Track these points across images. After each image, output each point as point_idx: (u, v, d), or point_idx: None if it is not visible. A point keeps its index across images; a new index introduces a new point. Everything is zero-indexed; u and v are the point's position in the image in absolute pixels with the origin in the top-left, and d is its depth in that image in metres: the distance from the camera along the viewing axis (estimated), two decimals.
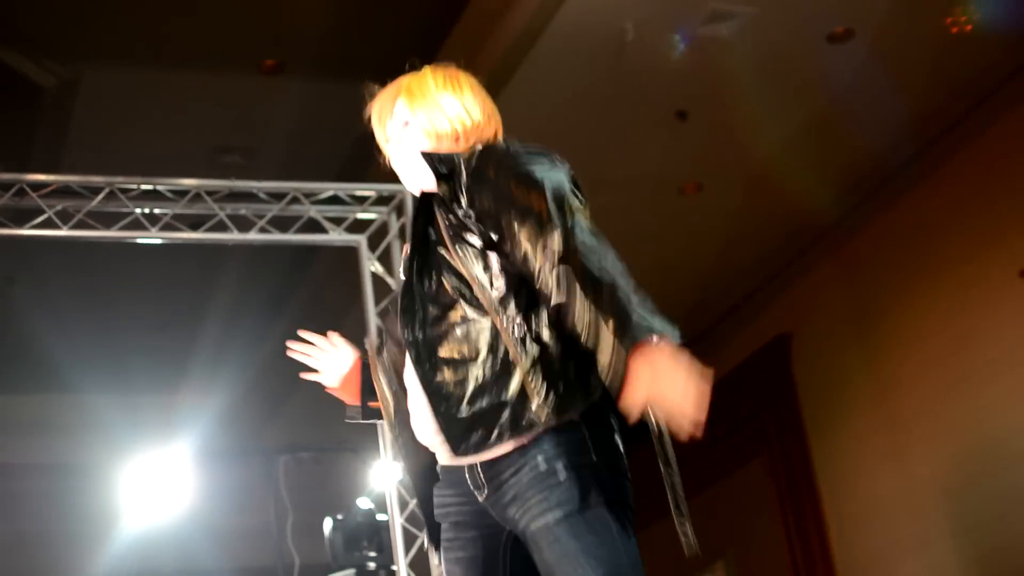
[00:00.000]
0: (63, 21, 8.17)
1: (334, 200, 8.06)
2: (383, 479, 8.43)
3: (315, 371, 3.78)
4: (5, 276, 10.40)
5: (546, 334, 3.20)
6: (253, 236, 7.84)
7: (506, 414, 3.14)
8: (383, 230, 8.04)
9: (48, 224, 7.41)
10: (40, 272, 10.08)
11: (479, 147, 3.39)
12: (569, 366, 3.18)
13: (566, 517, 3.12)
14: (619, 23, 7.84)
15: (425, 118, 3.51)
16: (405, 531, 7.62)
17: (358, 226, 8.08)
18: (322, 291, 10.38)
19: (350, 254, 8.12)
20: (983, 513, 8.95)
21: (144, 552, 11.68)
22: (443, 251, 3.30)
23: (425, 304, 3.29)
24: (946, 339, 9.30)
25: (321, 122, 9.10)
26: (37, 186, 7.42)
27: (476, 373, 3.18)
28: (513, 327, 3.19)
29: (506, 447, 3.16)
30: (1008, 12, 7.93)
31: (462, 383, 3.19)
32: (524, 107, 8.43)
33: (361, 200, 7.99)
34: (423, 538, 7.51)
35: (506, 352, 3.18)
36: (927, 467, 9.42)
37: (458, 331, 3.23)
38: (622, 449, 3.31)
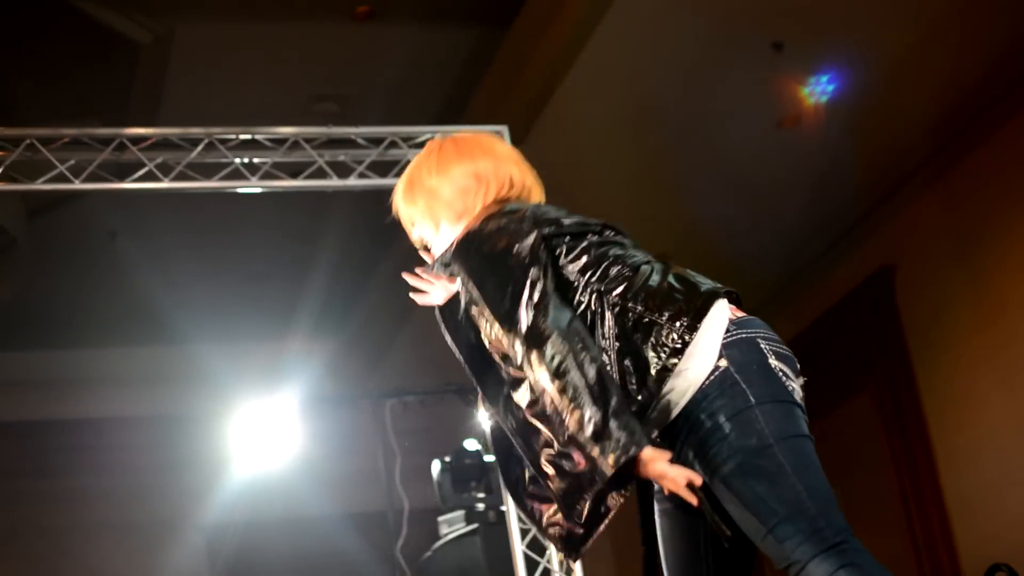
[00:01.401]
0: None
1: None
2: (489, 420, 8.45)
3: (425, 293, 3.80)
4: (108, 231, 10.51)
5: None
6: (353, 182, 7.85)
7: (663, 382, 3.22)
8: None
9: (149, 177, 7.46)
10: (143, 225, 10.19)
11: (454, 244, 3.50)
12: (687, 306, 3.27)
13: (739, 467, 3.16)
14: None
15: (422, 210, 3.66)
16: None
17: None
18: None
19: None
20: None
21: (254, 500, 11.83)
22: None
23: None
24: None
25: (415, 67, 9.11)
26: (137, 140, 7.47)
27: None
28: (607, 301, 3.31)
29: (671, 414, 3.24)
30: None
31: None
32: (617, 46, 8.42)
33: None
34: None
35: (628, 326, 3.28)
36: None
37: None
38: (780, 371, 3.32)
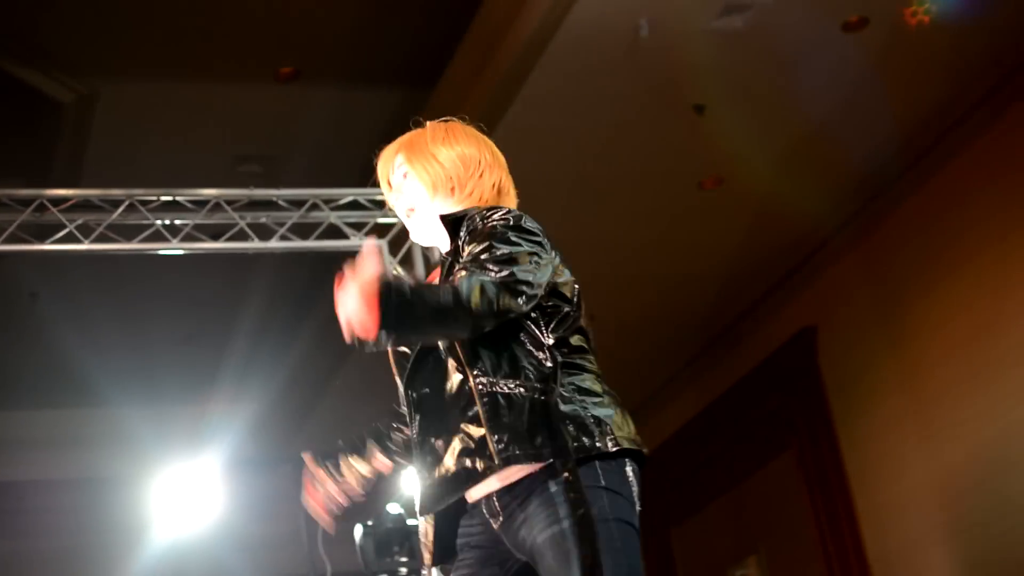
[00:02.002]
0: (79, 37, 8.21)
1: (354, 205, 8.07)
2: (412, 484, 8.41)
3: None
4: (29, 292, 10.44)
5: (560, 378, 3.36)
6: (274, 244, 7.84)
7: (520, 445, 3.24)
8: (404, 235, 8.03)
9: (69, 238, 7.42)
10: (64, 287, 10.12)
11: (486, 211, 3.51)
12: (585, 405, 3.35)
13: (573, 526, 3.18)
14: (633, 20, 7.83)
15: (421, 169, 3.66)
16: None
17: (379, 231, 8.08)
18: None
19: None
20: (1018, 500, 8.91)
21: (176, 563, 11.72)
22: None
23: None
24: (970, 324, 9.27)
25: (338, 128, 9.12)
26: (57, 201, 7.44)
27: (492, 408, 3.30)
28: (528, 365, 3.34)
29: (520, 474, 3.28)
30: (963, 4, 7.90)
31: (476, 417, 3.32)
32: (540, 107, 8.45)
33: (381, 205, 7.97)
34: None
35: (516, 391, 3.30)
36: (957, 454, 9.39)
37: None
38: (633, 479, 3.37)
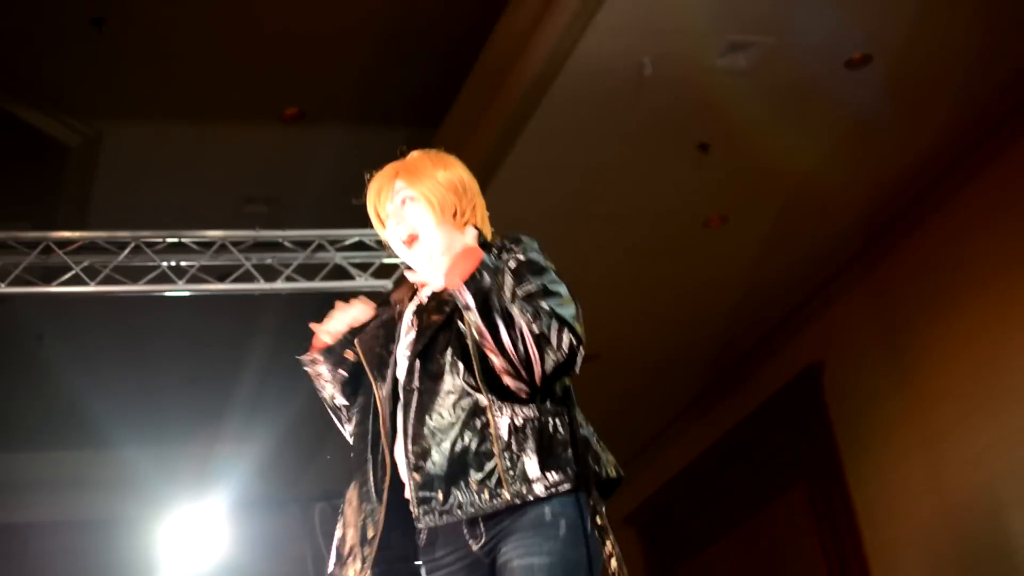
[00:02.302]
0: (83, 79, 8.24)
1: (359, 246, 8.06)
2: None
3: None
4: (35, 334, 10.44)
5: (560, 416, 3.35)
6: (280, 285, 7.85)
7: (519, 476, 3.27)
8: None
9: (75, 281, 7.43)
10: (71, 328, 10.12)
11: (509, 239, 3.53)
12: (578, 444, 3.32)
13: (550, 566, 3.21)
14: (637, 58, 7.85)
15: (428, 191, 3.64)
16: None
17: (384, 271, 8.08)
18: None
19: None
20: None
21: None
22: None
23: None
24: (976, 359, 9.25)
25: (343, 168, 9.09)
26: (63, 243, 7.45)
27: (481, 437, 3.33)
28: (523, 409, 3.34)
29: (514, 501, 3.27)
30: None
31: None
32: (545, 145, 8.46)
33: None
34: None
35: (516, 424, 3.31)
36: (966, 489, 9.36)
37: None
38: (607, 532, 3.35)
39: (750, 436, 11.74)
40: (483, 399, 3.31)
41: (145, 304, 8.66)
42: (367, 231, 8.05)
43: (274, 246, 7.91)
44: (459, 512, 3.27)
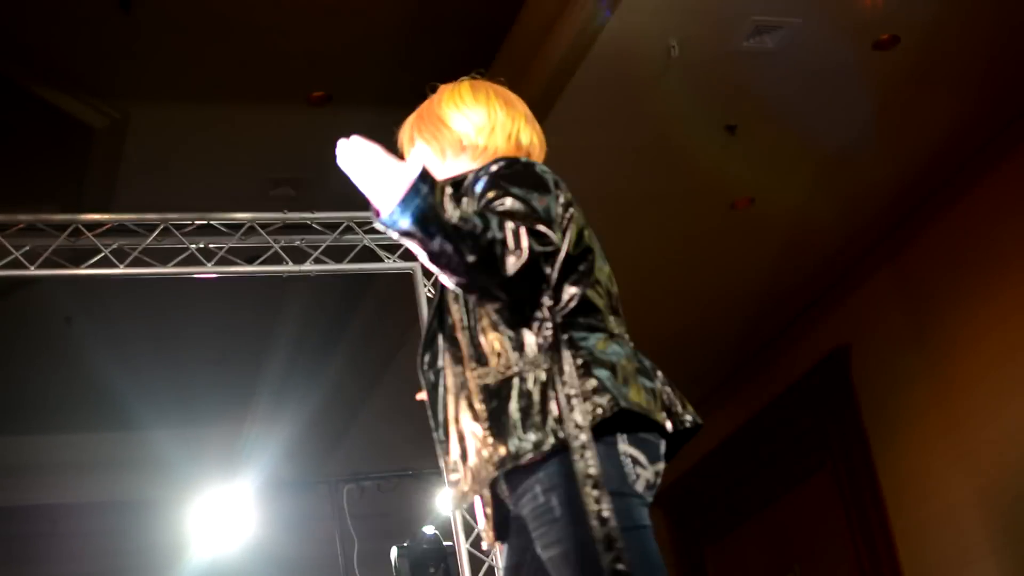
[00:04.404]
0: (110, 61, 8.24)
1: None
2: (447, 505, 8.42)
3: None
4: (64, 316, 10.48)
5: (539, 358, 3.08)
6: (308, 267, 7.86)
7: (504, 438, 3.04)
8: None
9: (104, 263, 7.44)
10: (99, 311, 10.16)
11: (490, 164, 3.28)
12: (561, 389, 3.00)
13: (563, 555, 2.95)
14: (664, 40, 7.83)
15: (429, 135, 3.51)
16: (471, 556, 7.60)
17: (412, 253, 8.07)
18: (379, 319, 10.42)
19: (405, 281, 8.13)
20: None
21: None
22: None
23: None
24: (1004, 341, 9.24)
25: None
26: (92, 226, 7.46)
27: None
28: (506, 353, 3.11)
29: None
30: None
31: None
32: (573, 126, 8.44)
33: None
34: (489, 562, 7.51)
35: (502, 379, 3.09)
36: (993, 471, 9.35)
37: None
38: (632, 466, 3.05)
39: (777, 418, 11.73)
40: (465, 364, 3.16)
41: (174, 286, 8.68)
42: None
43: (302, 228, 7.92)
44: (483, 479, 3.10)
